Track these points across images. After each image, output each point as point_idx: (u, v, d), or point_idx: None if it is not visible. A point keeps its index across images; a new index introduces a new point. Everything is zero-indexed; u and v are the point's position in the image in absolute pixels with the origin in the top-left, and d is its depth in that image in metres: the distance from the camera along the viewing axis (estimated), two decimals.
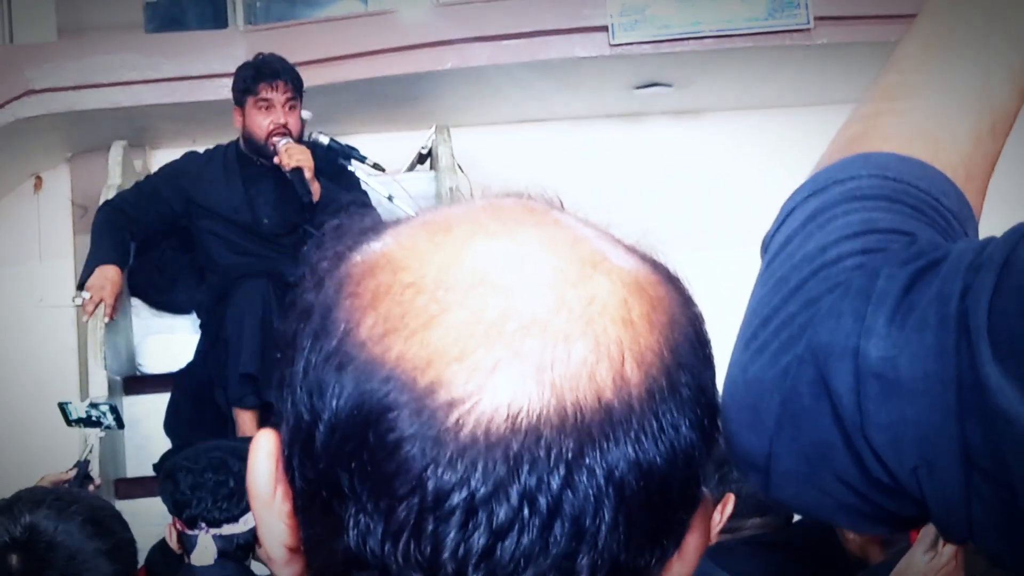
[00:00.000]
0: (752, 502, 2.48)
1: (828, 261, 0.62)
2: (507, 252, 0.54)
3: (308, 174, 4.18)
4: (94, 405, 3.75)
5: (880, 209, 0.64)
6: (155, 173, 4.68)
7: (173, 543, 2.65)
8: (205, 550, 2.59)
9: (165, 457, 4.37)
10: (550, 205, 0.59)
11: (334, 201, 4.20)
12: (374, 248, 0.56)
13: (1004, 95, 0.71)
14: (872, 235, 0.63)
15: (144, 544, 3.47)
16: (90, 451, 3.59)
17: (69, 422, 3.75)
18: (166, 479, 2.65)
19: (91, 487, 3.44)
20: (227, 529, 2.57)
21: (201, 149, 4.65)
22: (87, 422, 3.70)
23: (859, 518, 0.63)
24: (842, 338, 0.59)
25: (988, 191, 0.72)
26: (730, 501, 2.12)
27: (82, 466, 3.46)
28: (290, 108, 4.30)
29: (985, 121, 0.71)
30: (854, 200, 0.65)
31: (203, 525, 2.58)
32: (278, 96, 4.27)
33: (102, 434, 3.77)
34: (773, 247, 0.66)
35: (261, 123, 4.29)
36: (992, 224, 0.72)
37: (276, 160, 4.22)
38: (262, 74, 4.29)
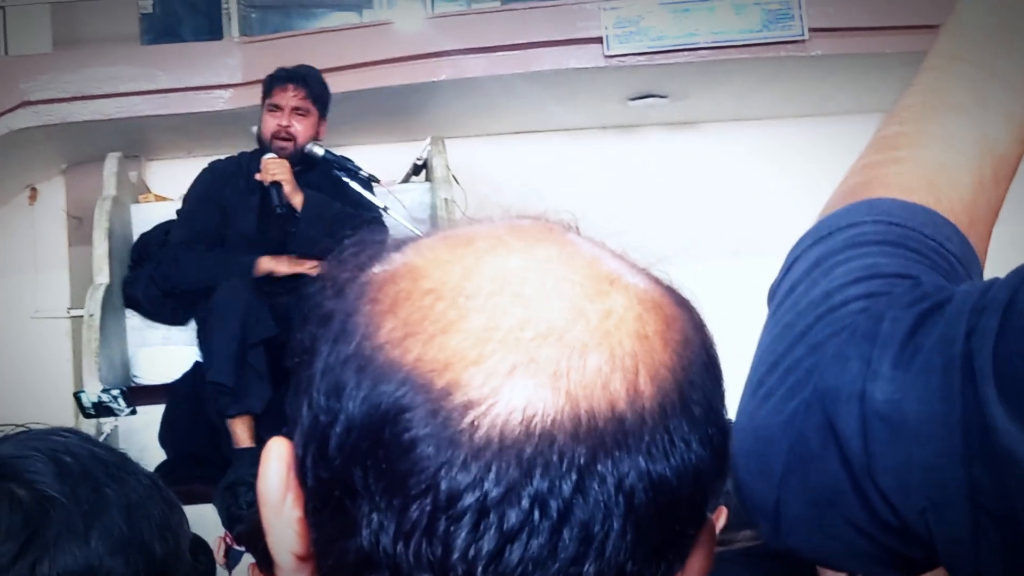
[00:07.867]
0: (743, 514, 2.47)
1: (833, 306, 0.62)
2: (526, 265, 0.55)
3: (287, 188, 4.20)
4: (106, 390, 3.78)
5: (884, 254, 0.65)
6: (185, 200, 4.58)
7: (219, 556, 2.65)
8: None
9: (160, 469, 4.36)
10: (566, 228, 0.60)
11: (320, 212, 4.21)
12: (395, 258, 0.57)
13: (1004, 142, 0.72)
14: (876, 280, 0.63)
15: None
16: (105, 438, 3.59)
17: (85, 411, 3.77)
18: (226, 490, 2.65)
19: None
20: None
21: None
22: (100, 409, 3.74)
23: (869, 562, 0.63)
24: (848, 382, 0.59)
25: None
26: (722, 515, 2.12)
27: None
28: (300, 114, 4.30)
29: (987, 168, 0.71)
30: (858, 246, 0.66)
31: None
32: (287, 100, 4.28)
33: (117, 423, 3.80)
34: (779, 295, 0.67)
35: (268, 125, 4.31)
36: (994, 261, 0.73)
37: (258, 176, 4.23)
38: (275, 78, 4.32)
